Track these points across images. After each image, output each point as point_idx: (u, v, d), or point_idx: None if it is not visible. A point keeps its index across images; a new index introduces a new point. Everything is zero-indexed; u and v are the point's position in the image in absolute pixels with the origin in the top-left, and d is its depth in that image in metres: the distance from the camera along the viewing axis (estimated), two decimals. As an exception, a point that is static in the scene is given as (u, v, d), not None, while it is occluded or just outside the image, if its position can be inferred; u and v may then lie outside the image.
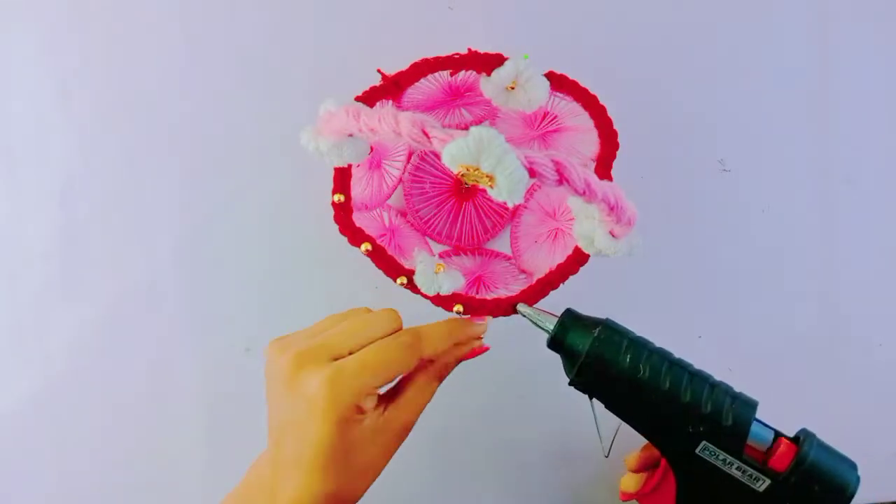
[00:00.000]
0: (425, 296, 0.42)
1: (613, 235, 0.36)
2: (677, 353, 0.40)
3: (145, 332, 0.52)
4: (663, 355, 0.39)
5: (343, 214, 0.42)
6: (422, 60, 0.41)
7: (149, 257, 0.51)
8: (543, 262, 0.47)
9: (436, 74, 0.42)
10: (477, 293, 0.46)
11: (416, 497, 0.53)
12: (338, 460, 0.35)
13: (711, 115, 0.54)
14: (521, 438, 0.53)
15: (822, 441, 0.38)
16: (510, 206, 0.42)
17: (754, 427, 0.38)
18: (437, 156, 0.29)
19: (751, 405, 0.38)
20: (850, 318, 0.55)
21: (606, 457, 0.42)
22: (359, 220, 0.43)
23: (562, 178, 0.29)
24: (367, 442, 0.36)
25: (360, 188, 0.45)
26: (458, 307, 0.42)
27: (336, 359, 0.35)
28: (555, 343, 0.40)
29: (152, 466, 0.52)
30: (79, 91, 0.51)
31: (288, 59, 0.51)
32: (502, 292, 0.45)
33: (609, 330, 0.39)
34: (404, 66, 0.41)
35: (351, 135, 0.35)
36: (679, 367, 0.39)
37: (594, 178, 0.30)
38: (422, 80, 0.41)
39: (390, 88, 0.41)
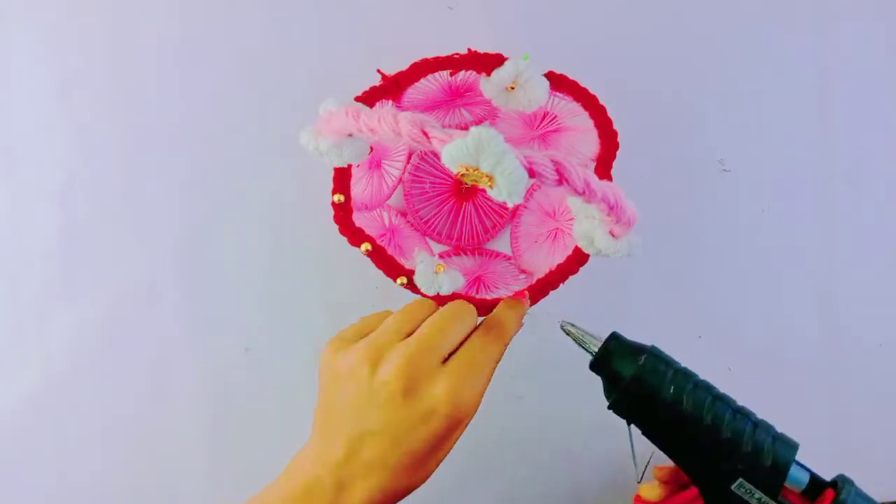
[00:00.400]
0: (425, 295, 0.42)
1: (613, 235, 0.36)
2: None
3: (145, 332, 0.52)
4: (707, 388, 0.39)
5: (343, 214, 0.42)
6: (422, 60, 0.41)
7: (149, 257, 0.51)
8: (543, 262, 0.47)
9: (436, 74, 0.41)
10: (477, 293, 0.46)
11: (417, 498, 0.53)
12: (426, 460, 0.35)
13: (711, 115, 0.54)
14: (521, 439, 0.53)
15: (860, 489, 0.38)
16: (510, 206, 0.42)
17: (792, 468, 0.37)
18: (437, 156, 0.29)
19: (791, 446, 0.38)
20: (850, 318, 0.55)
21: (638, 482, 0.42)
22: (359, 220, 0.43)
23: (561, 178, 0.29)
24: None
25: (359, 188, 0.45)
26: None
27: (443, 362, 0.35)
28: (598, 366, 0.40)
29: (152, 466, 0.52)
30: (79, 91, 0.51)
31: (288, 59, 0.51)
32: (502, 292, 0.45)
33: (655, 359, 0.39)
34: (404, 66, 0.41)
35: (351, 135, 0.35)
36: (722, 403, 0.38)
37: (594, 178, 0.30)
38: (422, 80, 0.41)
39: (390, 88, 0.41)
